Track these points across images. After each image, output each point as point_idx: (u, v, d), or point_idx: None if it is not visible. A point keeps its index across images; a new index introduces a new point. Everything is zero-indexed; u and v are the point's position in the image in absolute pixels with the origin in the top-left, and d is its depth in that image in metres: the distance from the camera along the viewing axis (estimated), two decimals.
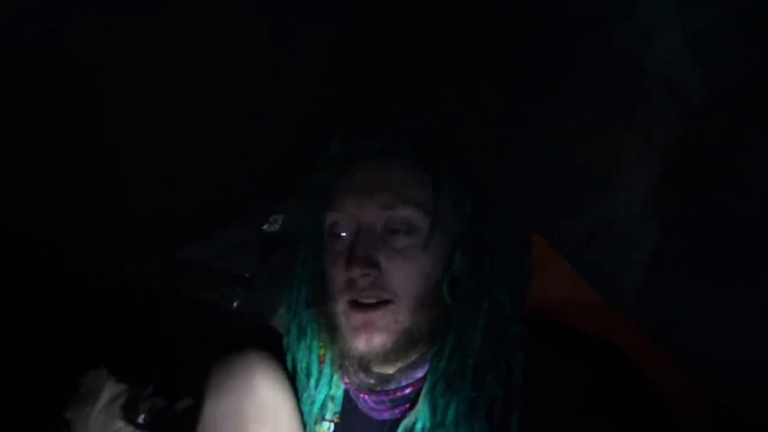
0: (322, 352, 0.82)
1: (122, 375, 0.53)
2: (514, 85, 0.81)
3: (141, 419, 0.52)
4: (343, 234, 0.75)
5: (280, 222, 1.08)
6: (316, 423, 0.80)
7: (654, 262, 0.74)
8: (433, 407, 0.71)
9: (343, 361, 0.75)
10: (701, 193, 0.64)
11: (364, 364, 0.73)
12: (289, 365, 0.82)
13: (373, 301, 0.72)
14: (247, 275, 1.07)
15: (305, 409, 0.81)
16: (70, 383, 0.54)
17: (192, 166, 0.92)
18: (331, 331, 0.76)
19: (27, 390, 0.67)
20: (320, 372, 0.81)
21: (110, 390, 0.52)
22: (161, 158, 0.88)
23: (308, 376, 0.81)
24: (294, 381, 0.82)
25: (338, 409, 0.81)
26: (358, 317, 0.71)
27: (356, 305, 0.72)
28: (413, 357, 0.74)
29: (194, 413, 0.59)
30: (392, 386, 0.74)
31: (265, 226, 1.08)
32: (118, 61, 0.74)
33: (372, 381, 0.74)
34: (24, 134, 0.78)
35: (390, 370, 0.74)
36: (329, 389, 0.81)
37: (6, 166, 0.80)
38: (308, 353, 0.82)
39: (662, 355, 0.77)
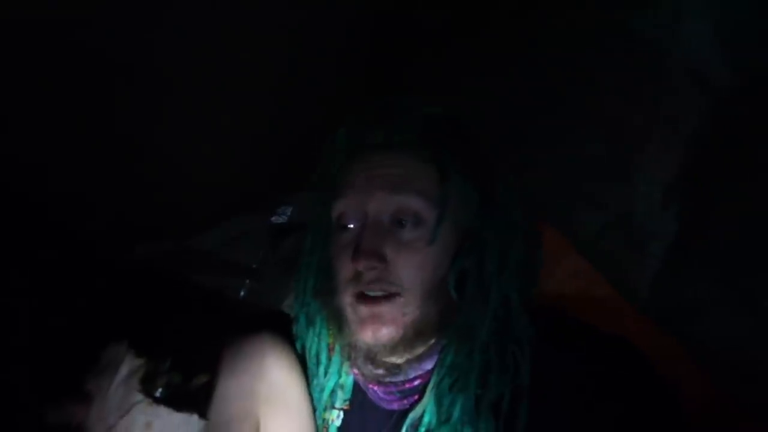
0: (331, 340, 0.81)
1: (141, 350, 0.53)
2: (534, 76, 0.81)
3: (158, 393, 0.52)
4: (350, 225, 0.74)
5: (288, 214, 1.08)
6: (325, 410, 0.80)
7: (671, 254, 0.73)
8: (439, 404, 0.70)
9: (351, 353, 0.74)
10: (724, 184, 0.64)
11: (371, 356, 0.72)
12: (299, 350, 0.82)
13: (379, 293, 0.71)
14: (254, 266, 1.06)
15: (315, 395, 0.80)
16: (90, 357, 0.55)
17: (204, 156, 0.91)
18: (338, 322, 0.76)
19: (48, 362, 0.68)
20: (329, 360, 0.81)
21: (129, 364, 0.52)
22: (175, 147, 0.88)
23: (317, 363, 0.81)
24: (305, 366, 0.82)
25: (348, 396, 0.81)
26: (364, 310, 0.70)
27: (363, 297, 0.72)
28: (422, 348, 0.74)
29: (209, 390, 0.59)
30: (400, 377, 0.74)
31: (273, 218, 1.08)
32: (137, 52, 0.74)
33: (380, 372, 0.73)
34: (45, 118, 0.78)
35: (398, 361, 0.74)
36: (339, 377, 0.80)
37: (26, 147, 0.80)
38: (317, 341, 0.81)
39: (675, 350, 0.76)
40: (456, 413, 0.68)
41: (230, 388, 0.70)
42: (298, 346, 0.83)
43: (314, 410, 0.80)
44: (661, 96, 0.67)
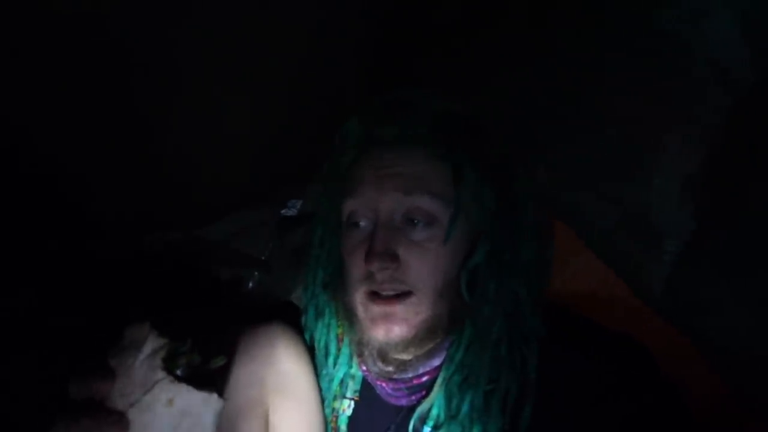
0: (340, 330, 0.82)
1: (162, 331, 0.54)
2: (549, 70, 0.80)
3: (180, 372, 0.53)
4: (362, 223, 0.74)
5: (298, 207, 1.08)
6: (335, 399, 0.80)
7: (687, 252, 0.73)
8: (448, 399, 0.71)
9: (361, 350, 0.74)
10: (743, 182, 0.63)
11: (383, 354, 0.72)
12: (308, 340, 0.83)
13: (391, 293, 0.71)
14: (263, 257, 1.06)
15: (323, 385, 0.81)
16: (112, 335, 0.56)
17: (217, 148, 0.92)
18: (350, 319, 0.76)
19: (71, 341, 0.69)
20: (338, 350, 0.81)
21: (152, 343, 0.53)
22: (188, 138, 0.89)
23: (327, 354, 0.81)
24: (313, 357, 0.82)
25: (357, 387, 0.81)
26: (377, 309, 0.71)
27: (375, 296, 0.72)
28: (431, 345, 0.74)
29: (226, 372, 0.60)
30: (409, 374, 0.74)
31: (283, 211, 1.08)
32: (153, 46, 0.74)
33: (390, 369, 0.73)
34: (60, 108, 0.78)
35: (408, 357, 0.74)
36: (349, 368, 0.80)
37: (38, 137, 0.80)
38: (326, 332, 0.81)
39: (687, 349, 0.76)
40: (465, 409, 0.69)
41: (240, 376, 0.70)
42: (307, 337, 0.83)
43: (323, 401, 0.80)
44: (680, 91, 0.67)
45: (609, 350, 0.72)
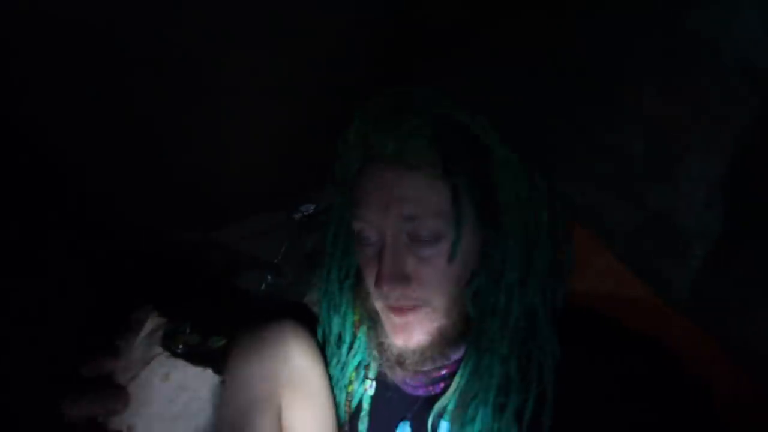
0: (356, 318, 0.84)
1: (164, 312, 0.56)
2: (572, 66, 0.79)
3: (178, 349, 0.54)
4: (371, 238, 0.76)
5: (311, 211, 1.09)
6: (350, 383, 0.83)
7: (714, 255, 0.70)
8: (462, 409, 0.72)
9: (381, 351, 0.77)
10: None
11: (401, 360, 0.75)
12: (320, 337, 0.84)
13: (405, 305, 0.73)
14: (275, 261, 1.07)
15: (335, 373, 0.82)
16: (120, 319, 0.58)
17: (236, 152, 0.92)
18: (371, 323, 0.79)
19: (86, 324, 0.71)
20: (354, 337, 0.83)
21: (152, 322, 0.56)
22: (206, 141, 0.89)
23: (340, 344, 0.83)
24: (324, 351, 0.84)
25: (377, 370, 0.82)
26: (396, 319, 0.74)
27: (392, 307, 0.74)
28: (449, 347, 0.74)
29: (225, 352, 0.61)
30: (428, 367, 0.75)
31: (297, 214, 1.08)
32: (168, 44, 0.75)
33: (408, 369, 0.76)
34: (77, 106, 0.80)
35: (425, 356, 0.75)
36: (368, 353, 0.82)
37: (58, 131, 0.82)
38: (342, 321, 0.83)
39: (714, 350, 0.73)
40: (477, 426, 0.69)
41: (253, 371, 0.72)
42: (320, 331, 0.85)
43: (333, 396, 0.81)
44: (707, 91, 0.64)
45: (635, 354, 0.72)
